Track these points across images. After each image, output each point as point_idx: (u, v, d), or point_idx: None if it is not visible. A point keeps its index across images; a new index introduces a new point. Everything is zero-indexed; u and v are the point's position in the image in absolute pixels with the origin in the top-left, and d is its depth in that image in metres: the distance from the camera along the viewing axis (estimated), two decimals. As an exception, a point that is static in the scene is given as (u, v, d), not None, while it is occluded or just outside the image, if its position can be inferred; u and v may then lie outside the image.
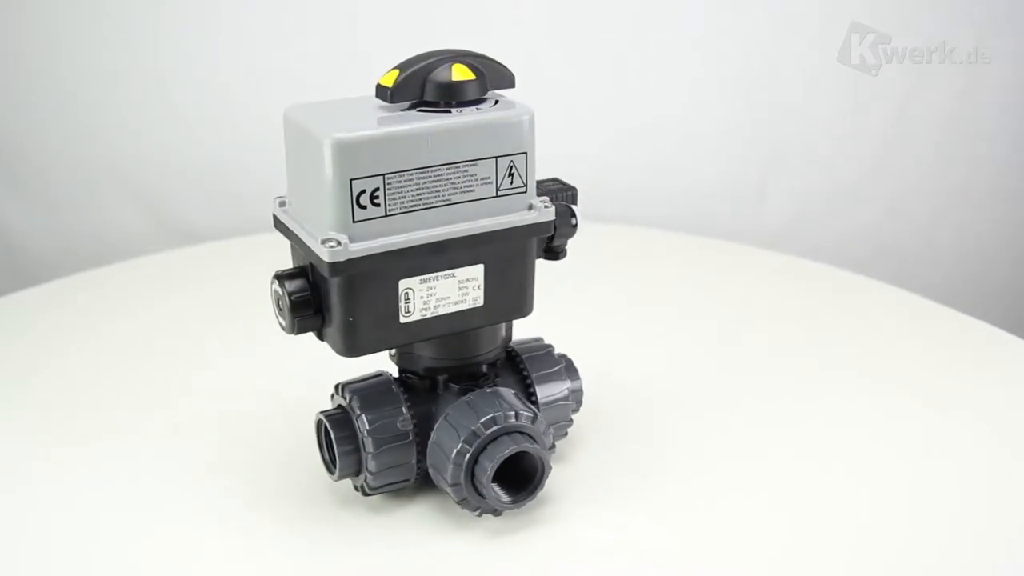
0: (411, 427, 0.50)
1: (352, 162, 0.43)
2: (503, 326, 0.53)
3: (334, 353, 0.48)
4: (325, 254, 0.44)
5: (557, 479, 0.54)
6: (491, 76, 0.48)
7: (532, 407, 0.50)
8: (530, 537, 0.50)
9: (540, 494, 0.50)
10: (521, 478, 0.50)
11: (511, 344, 0.55)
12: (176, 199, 1.06)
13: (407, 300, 0.47)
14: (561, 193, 0.52)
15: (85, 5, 1.00)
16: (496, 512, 0.50)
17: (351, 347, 0.47)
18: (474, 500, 0.49)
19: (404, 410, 0.50)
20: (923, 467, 0.57)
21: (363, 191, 0.44)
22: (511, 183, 0.48)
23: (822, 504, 0.53)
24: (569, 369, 0.56)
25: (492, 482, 0.48)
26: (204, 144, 1.05)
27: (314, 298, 0.47)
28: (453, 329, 0.49)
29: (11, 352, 0.73)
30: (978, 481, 0.55)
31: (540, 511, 0.52)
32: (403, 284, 0.47)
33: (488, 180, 0.47)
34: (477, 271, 0.48)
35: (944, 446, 0.59)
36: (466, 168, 0.46)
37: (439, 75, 0.46)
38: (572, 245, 0.53)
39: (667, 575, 0.48)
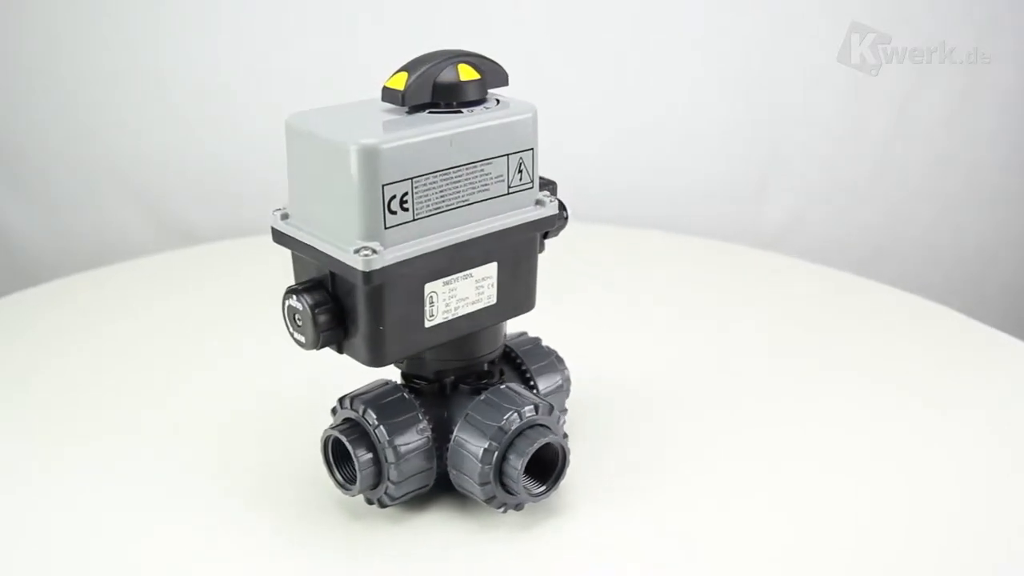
0: (430, 433, 0.50)
1: (384, 168, 0.43)
2: (505, 322, 0.53)
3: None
4: (359, 263, 0.43)
5: (557, 479, 0.54)
6: (489, 74, 0.48)
7: (544, 399, 0.51)
8: (530, 537, 0.50)
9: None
10: (540, 469, 0.50)
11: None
12: (176, 199, 1.06)
13: (431, 303, 0.47)
14: (546, 187, 0.53)
15: (85, 5, 1.00)
16: (519, 507, 0.51)
17: (378, 357, 0.46)
18: (501, 497, 0.49)
19: (420, 416, 0.50)
20: (923, 467, 0.57)
21: (394, 196, 0.44)
22: (520, 180, 0.48)
23: (822, 504, 0.53)
24: (559, 359, 0.57)
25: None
26: (204, 144, 1.05)
27: (336, 310, 0.46)
28: (471, 329, 0.49)
29: (11, 352, 0.73)
30: (978, 481, 0.55)
31: (540, 511, 0.52)
32: (428, 288, 0.47)
33: (501, 178, 0.48)
34: (491, 269, 0.49)
35: (944, 446, 0.59)
36: (482, 167, 0.47)
37: (449, 76, 0.46)
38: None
39: (667, 575, 0.48)
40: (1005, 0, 1.04)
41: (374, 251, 0.43)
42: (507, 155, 0.47)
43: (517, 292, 0.50)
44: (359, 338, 0.46)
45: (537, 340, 0.58)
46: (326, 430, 0.51)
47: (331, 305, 0.46)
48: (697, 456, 0.58)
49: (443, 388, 0.52)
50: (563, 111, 1.02)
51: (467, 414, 0.50)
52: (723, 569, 0.49)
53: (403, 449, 0.49)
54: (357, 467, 0.49)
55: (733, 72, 1.05)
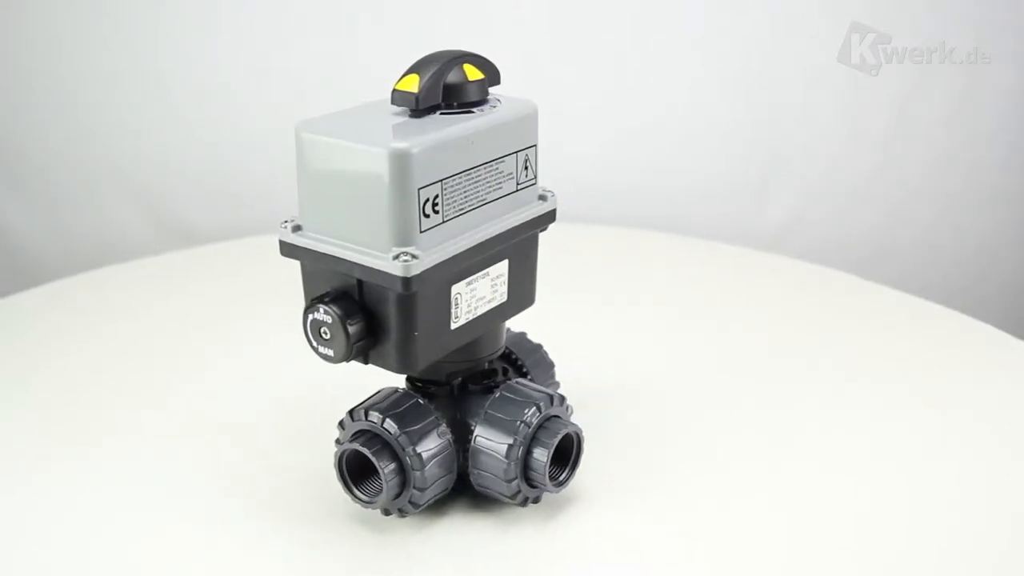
0: (450, 436, 0.49)
1: (418, 171, 0.43)
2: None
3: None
4: (399, 269, 0.43)
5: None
6: (489, 74, 0.48)
7: (552, 390, 0.51)
8: (529, 538, 0.50)
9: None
10: (556, 457, 0.50)
11: None
12: (176, 199, 1.07)
13: (456, 305, 0.47)
14: None
15: (85, 5, 1.00)
16: (536, 499, 0.51)
17: (410, 363, 0.46)
18: (524, 491, 0.50)
19: (439, 420, 0.49)
20: (923, 467, 0.57)
21: (427, 200, 0.44)
22: (526, 176, 0.49)
23: (822, 504, 0.53)
24: (545, 352, 0.58)
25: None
26: (204, 144, 1.05)
27: (366, 319, 0.45)
28: (486, 328, 0.50)
29: (11, 352, 0.73)
30: (978, 481, 0.55)
31: (539, 511, 0.52)
32: (454, 289, 0.47)
33: (511, 175, 0.48)
34: (504, 267, 0.49)
35: (944, 446, 0.59)
36: (496, 166, 0.47)
37: (457, 77, 0.47)
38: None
39: (667, 575, 0.48)
40: (1005, 0, 1.04)
41: (413, 256, 0.43)
42: (516, 152, 0.48)
43: (522, 288, 0.51)
44: (390, 345, 0.45)
45: (524, 334, 0.58)
46: (340, 445, 0.49)
47: (361, 315, 0.45)
48: (697, 456, 0.58)
49: (451, 390, 0.52)
50: (563, 111, 1.02)
51: (486, 412, 0.49)
52: (723, 569, 0.49)
53: (427, 455, 0.48)
54: (383, 478, 0.47)
55: (733, 72, 1.05)
